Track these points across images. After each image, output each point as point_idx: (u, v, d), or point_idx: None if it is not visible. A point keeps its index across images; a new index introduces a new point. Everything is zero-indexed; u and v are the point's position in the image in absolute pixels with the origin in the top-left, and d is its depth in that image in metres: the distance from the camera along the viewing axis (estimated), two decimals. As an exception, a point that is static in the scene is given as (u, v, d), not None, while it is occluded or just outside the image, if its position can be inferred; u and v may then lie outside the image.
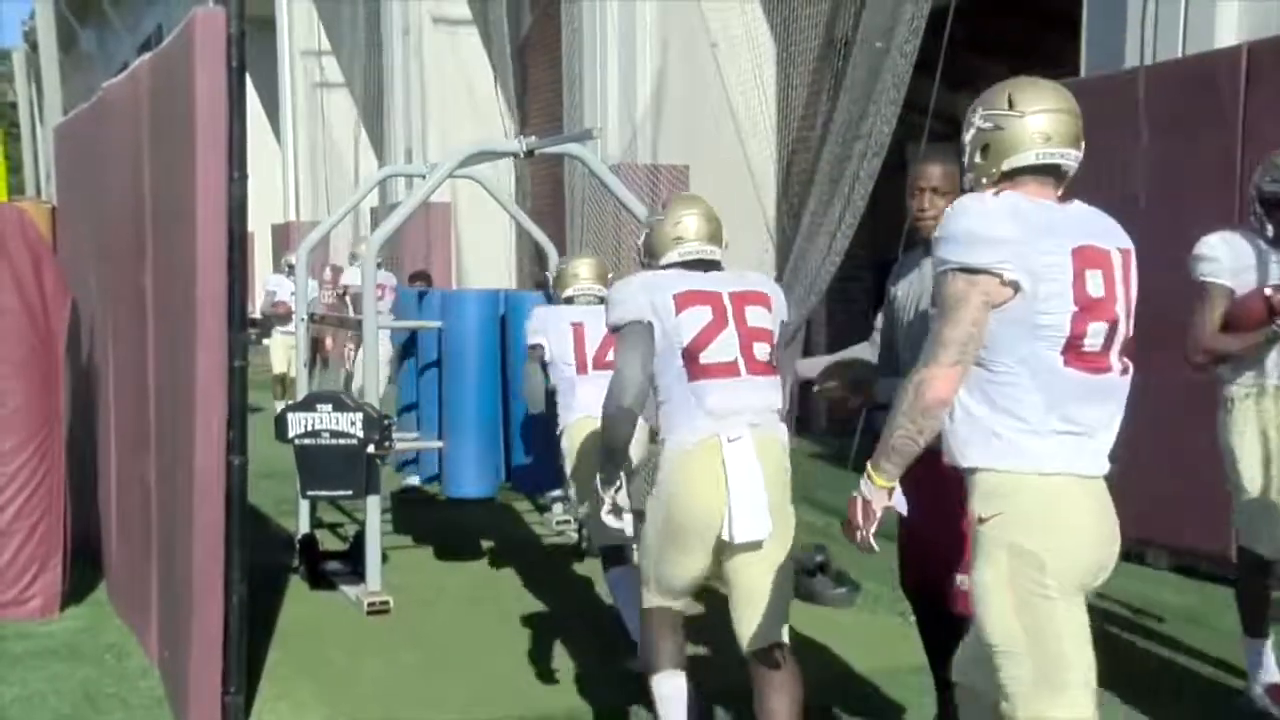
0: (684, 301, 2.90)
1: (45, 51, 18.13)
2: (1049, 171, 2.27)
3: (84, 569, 4.96)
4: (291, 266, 8.37)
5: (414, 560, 5.80)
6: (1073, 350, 2.18)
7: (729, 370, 2.89)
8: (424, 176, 5.87)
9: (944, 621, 3.20)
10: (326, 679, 4.13)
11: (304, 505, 5.53)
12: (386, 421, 4.79)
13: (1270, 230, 3.55)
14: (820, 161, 7.88)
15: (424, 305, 5.86)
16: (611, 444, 2.97)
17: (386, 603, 4.87)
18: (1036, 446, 2.18)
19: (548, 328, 4.34)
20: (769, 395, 2.95)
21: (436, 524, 6.32)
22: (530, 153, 5.28)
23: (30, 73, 21.50)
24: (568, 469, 4.27)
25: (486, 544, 6.01)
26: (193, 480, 3.56)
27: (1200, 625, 4.57)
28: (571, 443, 4.19)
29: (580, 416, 4.14)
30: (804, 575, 5.07)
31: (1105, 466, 2.26)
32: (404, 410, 6.10)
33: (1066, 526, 2.19)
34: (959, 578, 2.96)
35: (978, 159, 2.29)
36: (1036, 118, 2.24)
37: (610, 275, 4.57)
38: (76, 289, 4.94)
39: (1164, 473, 5.14)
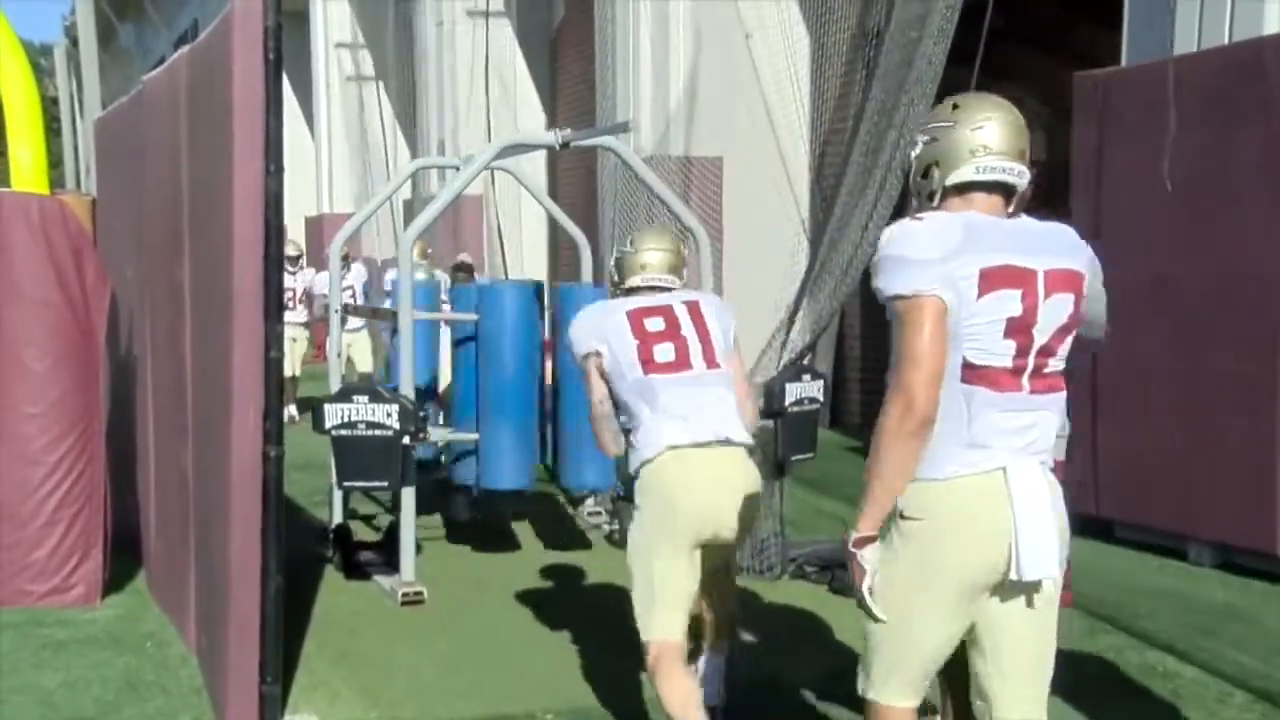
0: None
1: (85, 47, 18.32)
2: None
3: (123, 558, 5.02)
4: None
5: (448, 551, 5.82)
6: (650, 364, 3.18)
7: None
8: (457, 169, 5.87)
9: None
10: (361, 669, 4.16)
11: (337, 496, 5.56)
12: (422, 413, 4.81)
13: None
14: (853, 151, 7.80)
15: (461, 297, 5.86)
16: None
17: (421, 593, 4.90)
18: (653, 435, 3.14)
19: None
20: None
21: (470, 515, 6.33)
22: (565, 145, 5.27)
23: (71, 68, 21.76)
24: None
25: (520, 536, 6.01)
26: (230, 471, 3.59)
27: (1245, 622, 4.50)
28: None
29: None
30: (838, 569, 5.03)
31: (719, 434, 3.13)
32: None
33: (675, 494, 3.09)
34: None
35: None
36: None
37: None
38: (116, 280, 4.98)
39: (1208, 468, 5.06)
